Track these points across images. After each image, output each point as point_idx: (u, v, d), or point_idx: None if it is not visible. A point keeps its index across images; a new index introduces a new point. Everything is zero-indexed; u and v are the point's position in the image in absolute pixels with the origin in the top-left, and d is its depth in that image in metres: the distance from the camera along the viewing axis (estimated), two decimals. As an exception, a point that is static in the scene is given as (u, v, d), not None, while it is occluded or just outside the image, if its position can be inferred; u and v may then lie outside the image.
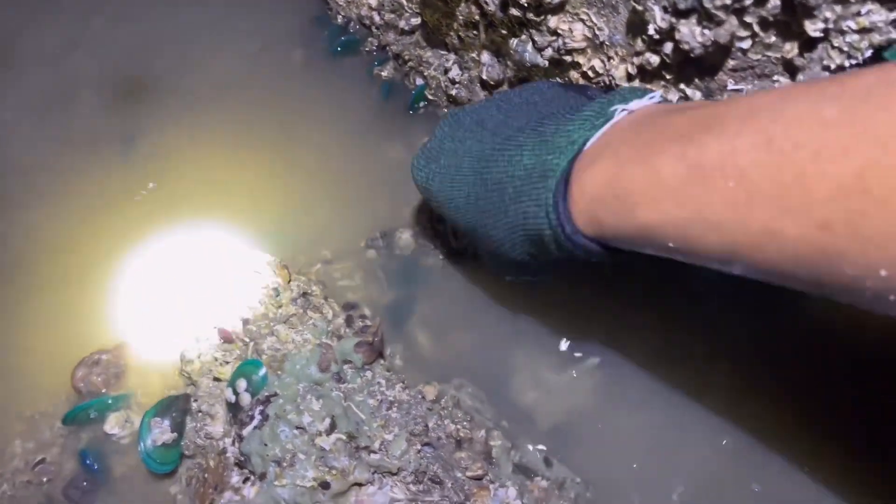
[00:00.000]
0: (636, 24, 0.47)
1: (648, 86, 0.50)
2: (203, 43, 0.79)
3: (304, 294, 0.61)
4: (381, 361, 0.57)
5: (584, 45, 0.53)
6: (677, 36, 0.43)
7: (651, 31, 0.45)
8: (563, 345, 0.60)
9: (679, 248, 0.38)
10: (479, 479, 0.52)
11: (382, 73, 0.77)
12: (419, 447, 0.51)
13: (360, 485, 0.49)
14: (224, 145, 0.73)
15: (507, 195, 0.48)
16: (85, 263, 0.67)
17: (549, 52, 0.55)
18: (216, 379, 0.57)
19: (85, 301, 0.65)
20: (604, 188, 0.41)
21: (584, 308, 0.61)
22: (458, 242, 0.66)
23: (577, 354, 0.60)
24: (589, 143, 0.44)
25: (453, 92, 0.69)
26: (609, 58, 0.52)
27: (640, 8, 0.45)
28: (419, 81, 0.74)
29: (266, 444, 0.48)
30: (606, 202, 0.41)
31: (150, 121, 0.75)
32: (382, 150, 0.74)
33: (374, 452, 0.49)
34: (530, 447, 0.57)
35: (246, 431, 0.49)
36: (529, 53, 0.56)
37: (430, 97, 0.74)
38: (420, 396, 0.56)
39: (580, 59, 0.54)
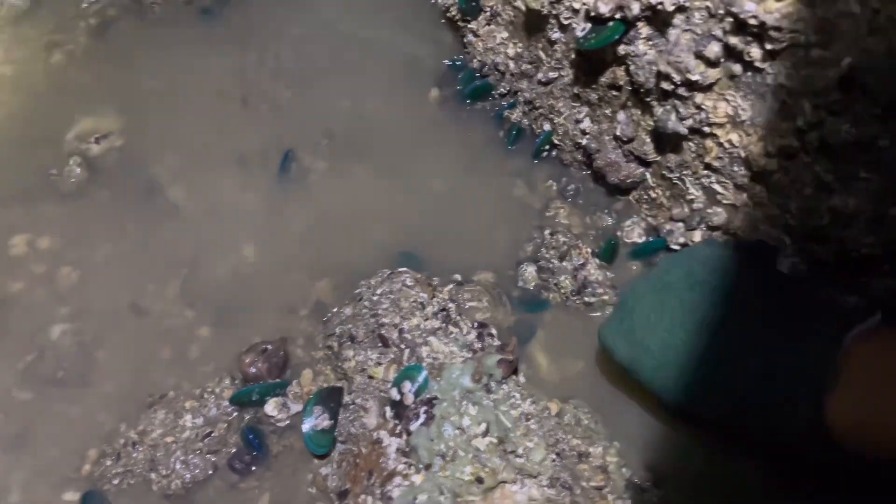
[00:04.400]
0: (784, 114, 0.55)
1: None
2: (352, 85, 0.89)
3: (444, 309, 0.69)
4: (514, 377, 0.65)
5: (724, 120, 0.61)
6: (825, 129, 0.51)
7: (800, 122, 0.53)
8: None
9: None
10: (600, 489, 0.60)
11: (511, 117, 0.86)
12: (553, 456, 0.59)
13: (505, 483, 0.57)
14: (367, 174, 0.83)
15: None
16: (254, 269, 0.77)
17: (690, 121, 0.63)
18: (370, 377, 0.65)
19: (252, 296, 0.74)
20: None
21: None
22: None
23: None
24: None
25: (582, 141, 0.78)
26: (748, 134, 0.60)
27: (790, 102, 0.53)
28: (546, 127, 0.83)
29: (432, 440, 0.56)
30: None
31: (314, 157, 0.85)
32: (506, 189, 0.82)
33: (519, 456, 0.57)
34: (639, 467, 0.64)
35: (413, 427, 0.57)
36: (672, 122, 0.64)
37: (555, 142, 0.82)
38: (546, 412, 0.64)
39: (718, 132, 0.62)
